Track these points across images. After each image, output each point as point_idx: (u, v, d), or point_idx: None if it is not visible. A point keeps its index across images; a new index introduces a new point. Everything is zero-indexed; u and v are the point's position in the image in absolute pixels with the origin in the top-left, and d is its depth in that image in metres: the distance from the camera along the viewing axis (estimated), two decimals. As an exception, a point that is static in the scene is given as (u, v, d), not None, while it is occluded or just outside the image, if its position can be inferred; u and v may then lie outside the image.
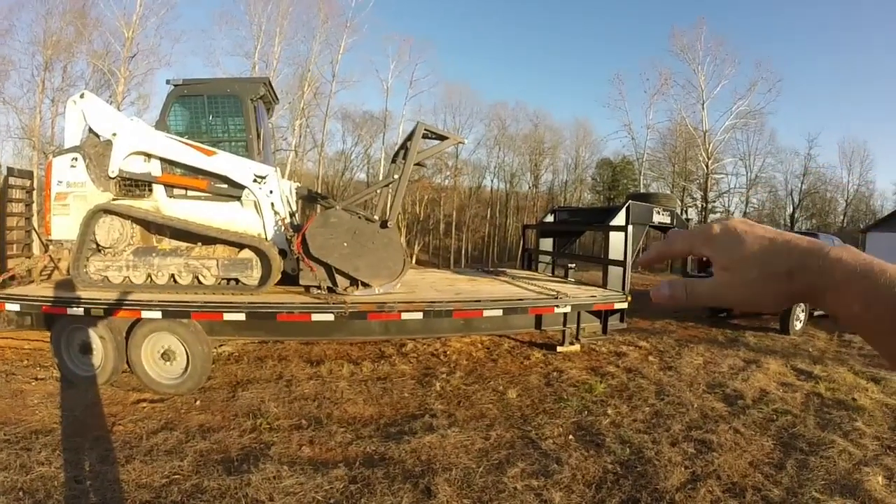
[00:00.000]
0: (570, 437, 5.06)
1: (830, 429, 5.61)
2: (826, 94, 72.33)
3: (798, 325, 11.36)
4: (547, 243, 10.80)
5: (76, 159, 6.13)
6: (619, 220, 8.06)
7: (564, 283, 8.90)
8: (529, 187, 53.27)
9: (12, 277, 6.31)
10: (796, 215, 49.70)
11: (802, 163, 49.44)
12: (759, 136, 46.21)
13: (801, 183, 49.83)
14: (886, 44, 68.79)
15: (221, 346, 7.51)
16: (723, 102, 58.67)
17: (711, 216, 44.36)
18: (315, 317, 5.83)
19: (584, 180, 54.96)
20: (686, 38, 37.99)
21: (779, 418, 5.90)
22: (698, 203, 42.16)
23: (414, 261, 40.10)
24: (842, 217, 52.23)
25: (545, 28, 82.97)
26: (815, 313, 12.30)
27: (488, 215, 53.22)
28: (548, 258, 10.75)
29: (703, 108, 37.98)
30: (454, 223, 48.05)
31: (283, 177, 6.92)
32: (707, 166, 38.55)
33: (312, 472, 4.07)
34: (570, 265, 10.05)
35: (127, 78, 27.70)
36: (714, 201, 45.33)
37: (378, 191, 7.15)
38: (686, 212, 45.00)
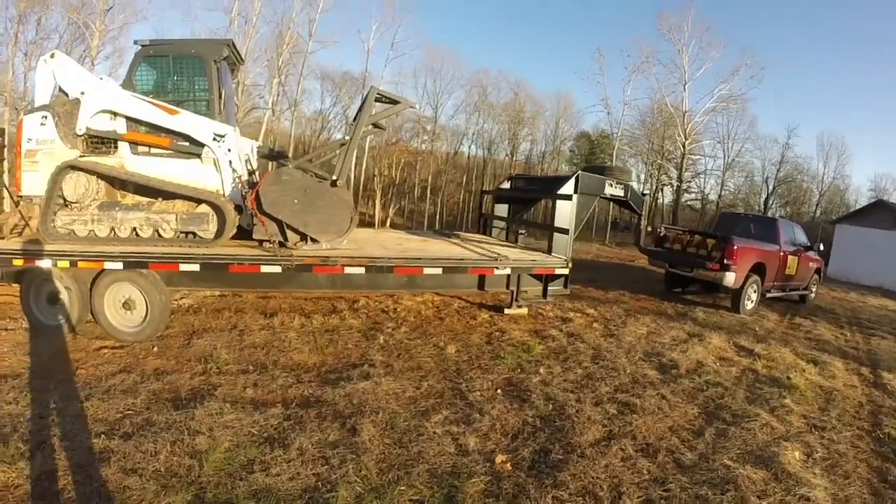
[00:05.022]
0: (499, 391, 5.36)
1: (758, 403, 5.89)
2: (809, 86, 73.96)
3: (749, 305, 11.74)
4: (502, 209, 11.07)
5: (46, 117, 6.26)
6: (567, 189, 8.28)
7: (512, 247, 9.22)
8: (506, 156, 52.97)
9: None
10: (770, 202, 50.67)
11: (780, 151, 50.32)
12: (739, 121, 46.81)
13: (778, 170, 50.74)
14: (872, 42, 70.66)
15: (182, 298, 7.76)
16: (705, 85, 59.67)
17: (686, 195, 45.20)
18: (264, 268, 6.16)
19: (561, 152, 55.01)
20: (674, 19, 38.32)
21: (708, 389, 6.18)
22: (674, 182, 42.69)
23: (388, 224, 39.90)
24: (815, 207, 53.25)
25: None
26: (768, 295, 12.74)
27: (464, 181, 52.95)
28: (502, 224, 11.02)
29: (684, 89, 38.37)
30: (430, 188, 47.87)
31: (259, 135, 7.07)
32: (684, 146, 38.97)
33: (252, 409, 4.38)
34: (521, 231, 10.45)
35: (102, 32, 27.19)
36: (689, 181, 46.01)
37: (338, 151, 7.34)
38: (656, 187, 45.82)
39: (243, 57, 8.22)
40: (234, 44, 7.40)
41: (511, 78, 56.96)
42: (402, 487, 3.48)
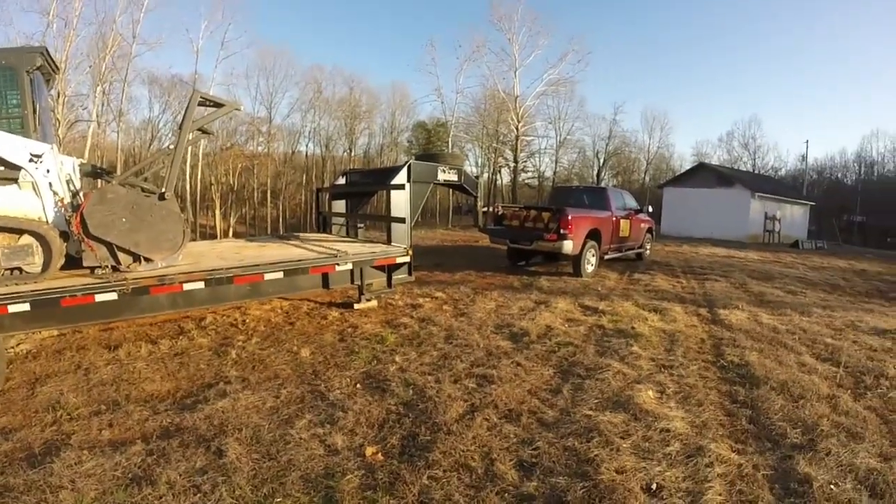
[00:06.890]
0: (358, 385, 5.45)
1: (608, 355, 6.42)
2: (633, 66, 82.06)
3: (590, 268, 12.71)
4: (340, 205, 11.17)
5: None
6: (401, 178, 8.55)
7: (352, 242, 9.38)
8: (345, 151, 53.46)
9: None
10: (602, 173, 55.79)
11: (608, 127, 55.99)
12: (568, 103, 51.96)
13: (607, 145, 56.47)
14: (686, 20, 79.36)
15: (18, 344, 7.14)
16: (535, 71, 64.17)
17: (523, 175, 48.07)
18: (99, 297, 5.74)
19: (399, 143, 56.33)
20: (504, 10, 40.52)
21: (560, 350, 6.63)
22: (510, 163, 45.18)
23: (231, 233, 38.70)
24: (644, 174, 59.28)
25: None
26: (606, 257, 13.87)
27: (304, 181, 52.68)
28: (341, 220, 11.17)
29: (515, 76, 40.89)
30: (269, 191, 47.05)
31: (85, 151, 6.61)
32: (518, 129, 41.25)
33: (112, 452, 4.19)
34: (360, 225, 10.69)
35: None
36: (525, 161, 48.95)
37: (164, 161, 7.03)
38: (493, 169, 48.22)
39: (62, 64, 7.66)
40: (48, 51, 6.84)
41: (346, 72, 57.53)
42: (279, 499, 3.53)
